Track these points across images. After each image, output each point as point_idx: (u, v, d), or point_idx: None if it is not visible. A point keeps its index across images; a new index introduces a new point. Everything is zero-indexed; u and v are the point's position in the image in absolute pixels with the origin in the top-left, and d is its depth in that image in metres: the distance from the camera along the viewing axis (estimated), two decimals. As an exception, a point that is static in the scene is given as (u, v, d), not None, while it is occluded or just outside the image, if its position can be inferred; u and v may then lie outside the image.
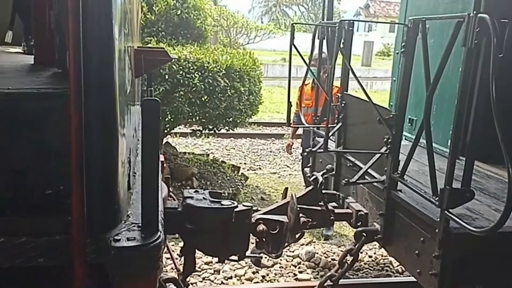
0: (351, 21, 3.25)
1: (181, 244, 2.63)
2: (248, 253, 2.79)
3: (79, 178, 1.36)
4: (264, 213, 2.93)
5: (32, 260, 1.44)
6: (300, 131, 6.46)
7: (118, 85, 1.52)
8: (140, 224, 1.55)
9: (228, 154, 9.35)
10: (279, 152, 9.75)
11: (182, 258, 2.66)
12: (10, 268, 1.44)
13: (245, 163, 8.77)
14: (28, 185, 1.50)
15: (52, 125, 1.49)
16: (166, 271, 3.99)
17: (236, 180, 6.99)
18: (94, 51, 1.38)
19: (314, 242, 5.17)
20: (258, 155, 9.48)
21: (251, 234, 2.76)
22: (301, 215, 2.87)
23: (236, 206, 2.59)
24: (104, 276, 1.48)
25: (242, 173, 7.65)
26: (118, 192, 1.56)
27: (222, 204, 2.54)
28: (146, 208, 1.50)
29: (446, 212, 2.28)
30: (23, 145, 1.49)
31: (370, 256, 4.92)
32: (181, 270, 2.75)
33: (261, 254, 3.07)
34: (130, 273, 1.44)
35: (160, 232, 1.53)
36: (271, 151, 9.80)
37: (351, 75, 3.63)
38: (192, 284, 4.10)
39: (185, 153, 7.82)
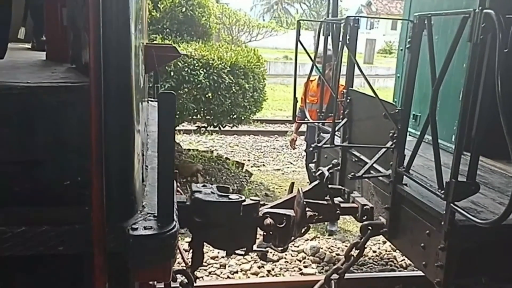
0: (357, 18, 3.29)
1: (187, 239, 2.67)
2: (255, 246, 2.83)
3: (99, 170, 1.41)
4: (271, 207, 2.97)
5: (52, 248, 1.49)
6: (303, 127, 6.49)
7: (134, 80, 1.56)
8: (155, 214, 1.60)
9: (232, 151, 9.40)
10: (283, 149, 9.79)
11: (190, 252, 2.70)
12: (32, 257, 1.48)
13: (248, 160, 8.82)
14: (47, 176, 1.55)
15: (71, 118, 1.54)
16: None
17: (240, 177, 7.04)
18: (113, 47, 1.42)
19: (319, 237, 5.22)
20: (262, 152, 9.53)
21: (258, 228, 2.79)
22: (307, 209, 2.91)
23: (244, 200, 2.62)
24: (122, 264, 1.53)
25: (246, 170, 7.70)
26: (134, 184, 1.60)
27: (230, 198, 2.57)
28: (162, 198, 1.54)
29: (451, 204, 2.32)
30: (42, 138, 1.54)
31: (374, 251, 4.96)
32: (189, 264, 2.79)
33: (267, 248, 3.11)
34: (148, 261, 1.48)
35: (175, 221, 1.58)
36: (274, 148, 9.85)
37: (355, 71, 3.68)
38: (198, 278, 4.15)
39: (189, 150, 7.87)
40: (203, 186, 2.70)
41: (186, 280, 2.72)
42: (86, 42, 1.73)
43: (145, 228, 1.50)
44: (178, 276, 2.86)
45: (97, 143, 1.39)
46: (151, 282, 1.88)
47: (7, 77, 1.64)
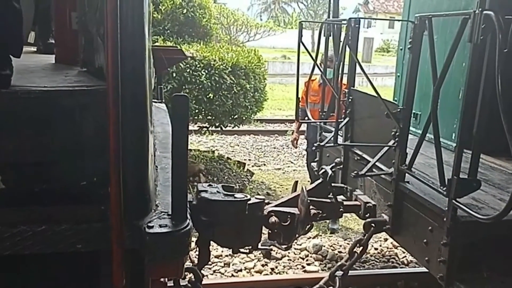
0: (358, 19, 3.34)
1: (193, 238, 2.71)
2: (260, 244, 2.87)
3: (117, 170, 1.46)
4: (275, 206, 3.02)
5: (71, 246, 1.54)
6: (303, 126, 6.53)
7: (147, 83, 1.62)
8: (169, 213, 1.65)
9: (233, 151, 9.45)
10: (283, 148, 9.85)
11: (195, 251, 2.74)
12: (52, 254, 1.54)
13: (249, 160, 8.87)
14: (64, 177, 1.60)
15: (87, 120, 1.59)
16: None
17: (242, 176, 7.11)
18: (128, 51, 1.47)
19: (321, 235, 5.28)
20: (262, 152, 9.59)
21: (263, 226, 2.84)
22: (311, 207, 2.97)
23: (249, 199, 2.67)
24: (137, 260, 1.59)
25: (247, 169, 7.76)
26: (148, 183, 1.66)
27: (235, 197, 2.62)
28: (176, 197, 1.59)
29: (453, 201, 2.38)
30: (59, 140, 1.59)
31: (376, 249, 5.02)
32: (196, 262, 2.84)
33: (271, 246, 3.16)
34: (163, 257, 1.54)
35: (189, 219, 1.63)
36: (274, 148, 9.91)
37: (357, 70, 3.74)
38: (204, 276, 4.20)
39: (190, 150, 7.92)
40: (209, 185, 2.74)
41: (193, 278, 2.77)
42: (99, 46, 1.79)
43: (160, 226, 1.56)
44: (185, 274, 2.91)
45: (115, 144, 1.44)
46: (162, 279, 1.93)
47: (24, 81, 1.70)
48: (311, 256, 4.74)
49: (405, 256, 4.83)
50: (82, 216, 1.57)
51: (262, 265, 4.49)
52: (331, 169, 3.18)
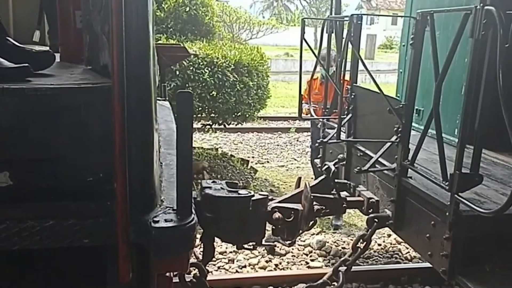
0: (360, 15, 3.36)
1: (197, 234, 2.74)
2: (264, 240, 2.89)
3: (122, 166, 1.48)
4: (279, 202, 3.04)
5: (78, 240, 1.57)
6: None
7: (152, 80, 1.64)
8: (174, 208, 1.68)
9: (236, 148, 9.48)
10: (286, 145, 9.87)
11: (199, 247, 2.76)
12: (59, 249, 1.56)
13: (253, 157, 8.90)
14: (71, 173, 1.63)
15: (92, 117, 1.62)
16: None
17: (246, 173, 7.13)
18: (133, 48, 1.49)
19: (325, 231, 5.30)
20: (266, 149, 9.62)
21: (267, 222, 2.86)
22: (314, 203, 2.99)
23: (253, 195, 2.68)
24: (143, 254, 1.61)
25: (251, 167, 7.79)
26: (153, 179, 1.68)
27: (239, 194, 2.63)
28: (181, 192, 1.62)
29: (456, 195, 2.40)
30: (66, 136, 1.62)
31: (379, 245, 5.04)
32: (200, 258, 2.87)
33: (275, 242, 3.18)
34: (169, 252, 1.56)
35: (194, 214, 1.66)
36: (278, 145, 9.93)
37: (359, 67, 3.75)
38: (209, 272, 4.23)
39: (194, 147, 7.95)
40: (213, 182, 2.76)
41: (198, 273, 2.80)
42: (104, 44, 1.82)
43: (166, 220, 1.58)
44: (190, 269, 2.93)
45: (121, 140, 1.46)
46: (167, 274, 1.95)
47: (30, 79, 1.72)
48: (314, 252, 4.77)
49: (409, 252, 4.85)
50: (89, 211, 1.60)
51: (266, 261, 4.52)
52: (334, 165, 3.20)
